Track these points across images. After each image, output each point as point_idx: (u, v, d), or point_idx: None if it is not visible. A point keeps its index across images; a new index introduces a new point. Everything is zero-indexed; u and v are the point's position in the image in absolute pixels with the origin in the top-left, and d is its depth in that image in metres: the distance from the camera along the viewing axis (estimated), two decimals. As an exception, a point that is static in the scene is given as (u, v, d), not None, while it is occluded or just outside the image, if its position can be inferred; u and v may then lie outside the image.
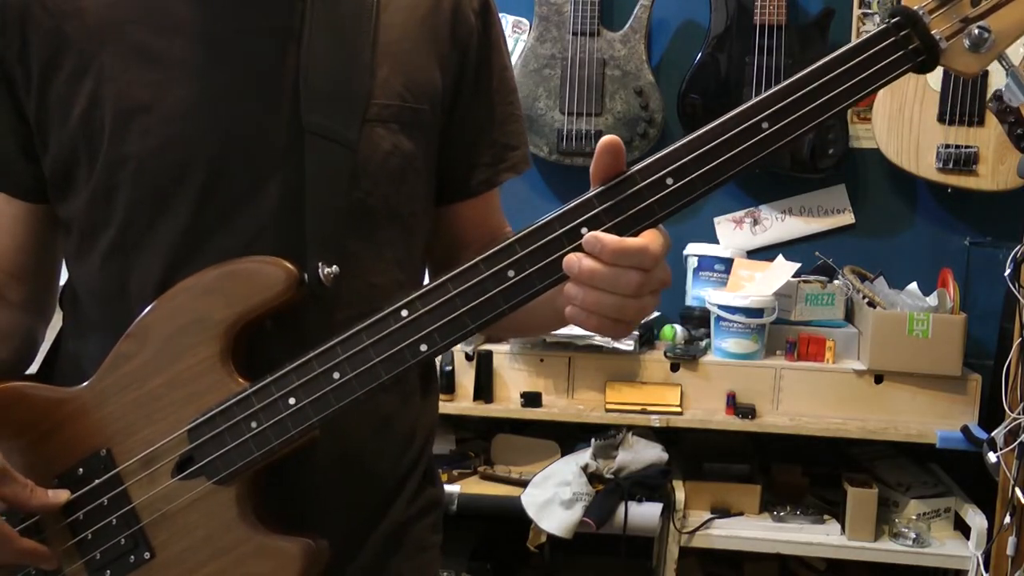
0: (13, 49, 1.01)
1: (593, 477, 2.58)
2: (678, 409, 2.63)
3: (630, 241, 0.87)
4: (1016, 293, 2.49)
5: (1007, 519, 2.48)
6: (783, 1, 2.78)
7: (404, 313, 0.93)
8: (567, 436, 2.75)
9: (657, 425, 2.61)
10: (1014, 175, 2.70)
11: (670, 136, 2.95)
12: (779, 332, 2.71)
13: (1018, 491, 2.41)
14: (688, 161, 0.89)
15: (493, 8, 1.15)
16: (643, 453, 2.62)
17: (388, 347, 0.93)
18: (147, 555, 0.99)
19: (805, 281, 2.76)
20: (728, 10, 2.82)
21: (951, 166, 2.75)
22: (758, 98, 0.88)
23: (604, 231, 0.88)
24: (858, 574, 2.78)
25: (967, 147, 2.74)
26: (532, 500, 2.53)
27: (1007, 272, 2.52)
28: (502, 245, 0.91)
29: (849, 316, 2.80)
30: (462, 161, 1.15)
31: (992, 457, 2.45)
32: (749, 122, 0.88)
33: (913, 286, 2.80)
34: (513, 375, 2.68)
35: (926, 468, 2.82)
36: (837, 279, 2.81)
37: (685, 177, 0.89)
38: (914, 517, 2.61)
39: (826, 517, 2.63)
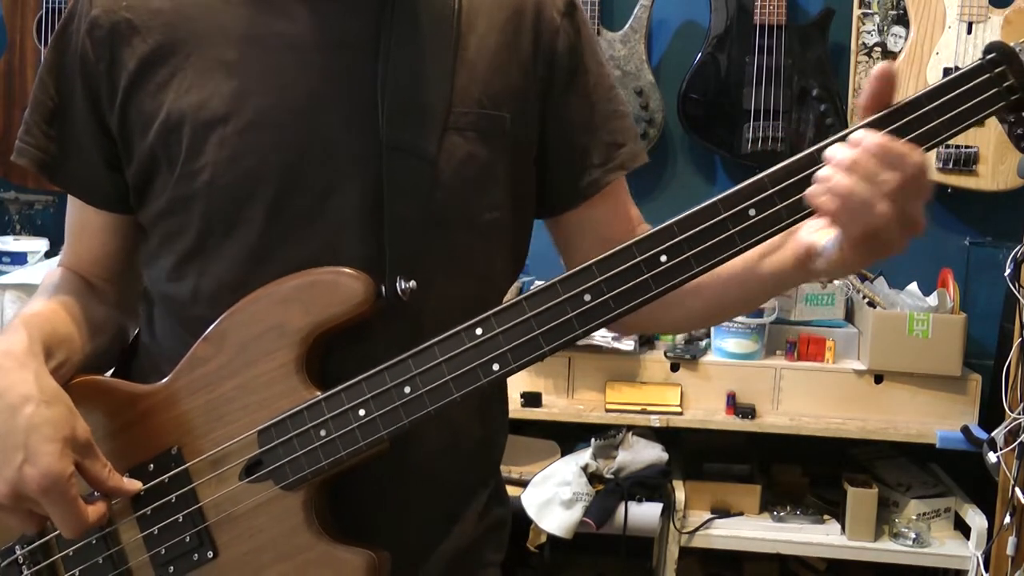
0: (102, 66, 1.03)
1: (593, 477, 2.58)
2: (678, 409, 2.63)
3: (896, 141, 0.85)
4: (1016, 293, 2.49)
5: (1007, 519, 2.48)
6: (783, 1, 2.78)
7: (478, 331, 0.93)
8: (567, 436, 2.75)
9: (657, 425, 2.61)
10: (1014, 175, 2.70)
11: (670, 136, 2.96)
12: (779, 332, 2.71)
13: (1018, 491, 2.41)
14: (772, 194, 0.89)
15: (580, 8, 1.12)
16: (643, 453, 2.62)
17: (461, 365, 0.93)
18: (210, 554, 1.00)
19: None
20: (728, 10, 2.82)
21: (951, 166, 2.75)
22: (847, 131, 0.87)
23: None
24: (858, 574, 2.78)
25: (967, 147, 2.74)
26: (532, 500, 2.53)
27: (1007, 272, 2.52)
28: (580, 268, 0.91)
29: (849, 316, 2.80)
30: (573, 165, 1.12)
31: (992, 457, 2.45)
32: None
33: (913, 286, 2.80)
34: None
35: (926, 468, 2.82)
36: (837, 279, 2.81)
37: (767, 209, 0.90)
38: (914, 517, 2.61)
39: (826, 517, 2.63)
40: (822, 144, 0.88)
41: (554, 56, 1.09)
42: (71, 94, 1.06)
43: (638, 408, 2.62)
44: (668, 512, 2.56)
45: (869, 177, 0.84)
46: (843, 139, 0.87)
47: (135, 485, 1.01)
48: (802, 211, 0.88)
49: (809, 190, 0.87)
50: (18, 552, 1.06)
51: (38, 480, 0.91)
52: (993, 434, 2.48)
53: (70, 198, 1.13)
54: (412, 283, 0.98)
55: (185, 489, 1.01)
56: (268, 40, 1.01)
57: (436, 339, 0.94)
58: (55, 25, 3.16)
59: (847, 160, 0.85)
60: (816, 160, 0.87)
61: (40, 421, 0.92)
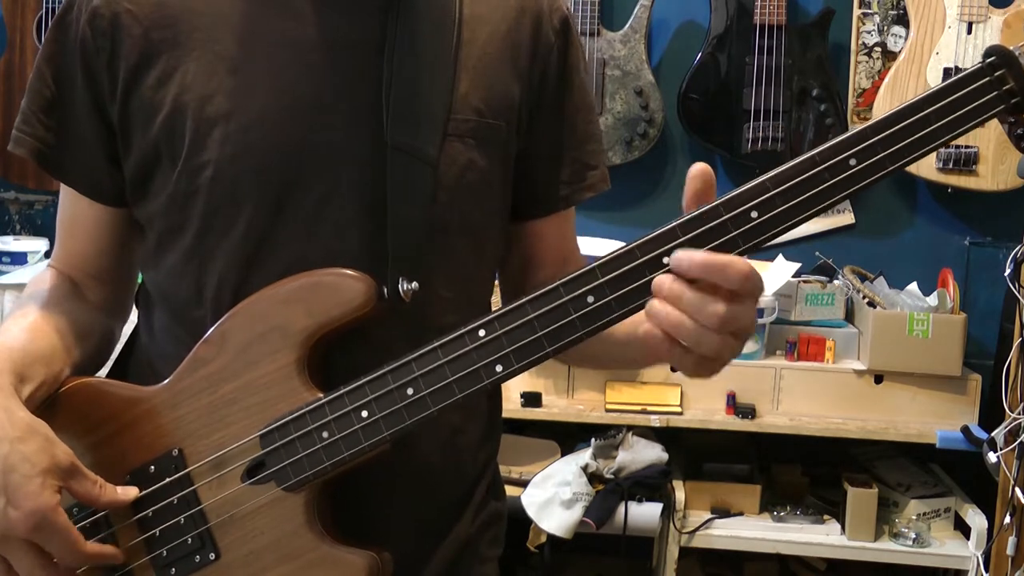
0: (103, 57, 1.03)
1: (593, 477, 2.58)
2: (678, 409, 2.63)
3: (717, 255, 0.86)
4: (1016, 293, 2.49)
5: (1007, 519, 2.48)
6: (783, 1, 2.78)
7: (482, 333, 0.93)
8: (567, 436, 2.75)
9: (657, 425, 2.61)
10: (1014, 175, 2.70)
11: (670, 136, 2.96)
12: (779, 332, 2.71)
13: (1018, 491, 2.41)
14: (775, 195, 0.88)
15: (573, 27, 1.14)
16: (643, 453, 2.62)
17: (464, 366, 0.93)
18: (212, 556, 1.00)
19: (805, 281, 2.76)
20: (728, 10, 2.82)
21: (951, 166, 2.75)
22: (846, 135, 0.87)
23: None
24: (858, 574, 2.78)
25: (967, 147, 2.74)
26: (532, 500, 2.53)
27: (1007, 272, 2.52)
28: (583, 270, 0.91)
29: (849, 316, 2.80)
30: (541, 179, 1.14)
31: (992, 457, 2.45)
32: (837, 158, 0.86)
33: (913, 286, 2.80)
34: (513, 375, 2.68)
35: (926, 468, 2.82)
36: (837, 279, 2.81)
37: (770, 211, 0.87)
38: (914, 517, 2.61)
39: (826, 517, 2.63)
40: (825, 147, 0.87)
41: (546, 72, 1.11)
42: (71, 84, 1.05)
43: (638, 408, 2.62)
44: (668, 512, 2.56)
45: (697, 312, 0.85)
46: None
47: (130, 493, 1.00)
48: (811, 214, 0.88)
49: (644, 329, 0.88)
50: None
51: (23, 521, 0.91)
52: (993, 434, 2.48)
53: (63, 193, 1.12)
54: (414, 284, 0.99)
55: (187, 491, 1.00)
56: (273, 38, 1.01)
57: (439, 341, 0.94)
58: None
59: (675, 293, 0.85)
60: (816, 162, 0.87)
61: (17, 460, 0.91)
